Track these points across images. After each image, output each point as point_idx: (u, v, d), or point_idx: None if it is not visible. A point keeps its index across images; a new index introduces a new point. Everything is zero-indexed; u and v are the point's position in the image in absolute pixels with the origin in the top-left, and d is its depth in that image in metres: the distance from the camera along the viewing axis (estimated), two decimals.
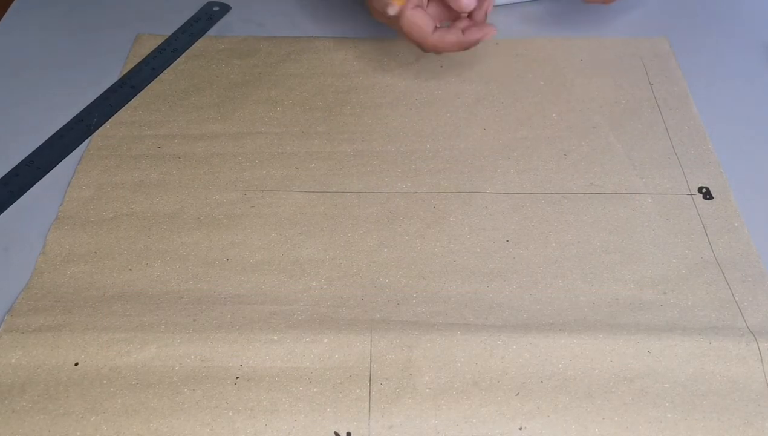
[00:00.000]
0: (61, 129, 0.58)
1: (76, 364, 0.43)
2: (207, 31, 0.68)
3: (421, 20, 0.55)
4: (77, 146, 0.57)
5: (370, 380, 0.42)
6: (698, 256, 0.49)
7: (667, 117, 0.59)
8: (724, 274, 0.48)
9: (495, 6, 0.69)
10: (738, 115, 0.59)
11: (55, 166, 0.55)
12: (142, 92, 0.61)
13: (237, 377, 0.43)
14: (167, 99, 0.61)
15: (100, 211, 0.52)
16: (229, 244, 0.50)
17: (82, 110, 0.59)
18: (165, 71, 0.63)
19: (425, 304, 0.46)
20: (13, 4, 0.71)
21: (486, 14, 0.57)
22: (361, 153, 0.56)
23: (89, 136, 0.57)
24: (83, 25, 0.69)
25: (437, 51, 0.57)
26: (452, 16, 0.58)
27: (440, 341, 0.44)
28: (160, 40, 0.66)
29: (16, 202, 0.53)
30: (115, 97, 0.60)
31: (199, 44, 0.66)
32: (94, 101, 0.60)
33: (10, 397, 0.42)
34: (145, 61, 0.64)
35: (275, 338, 0.44)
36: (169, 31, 0.67)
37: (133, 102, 0.60)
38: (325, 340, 0.44)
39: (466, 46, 0.56)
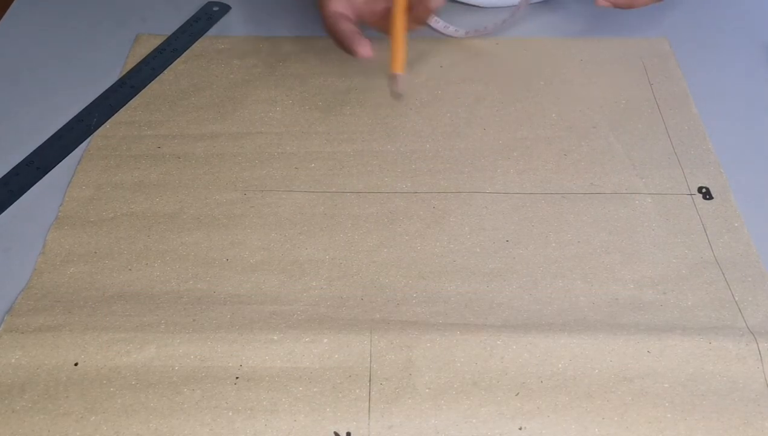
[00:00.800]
0: (61, 129, 0.58)
1: (76, 364, 0.43)
2: (207, 31, 0.68)
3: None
4: (77, 146, 0.57)
5: (369, 380, 0.42)
6: (698, 256, 0.49)
7: (667, 117, 0.59)
8: (723, 274, 0.48)
9: (500, 7, 0.69)
10: (738, 115, 0.59)
11: (55, 166, 0.55)
12: (142, 92, 0.61)
13: (237, 377, 0.43)
14: (167, 99, 0.61)
15: (100, 212, 0.52)
16: (228, 244, 0.50)
17: (82, 110, 0.59)
18: (165, 71, 0.63)
19: (425, 304, 0.46)
20: (14, 5, 0.71)
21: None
22: (360, 153, 0.56)
23: (89, 136, 0.57)
24: (83, 25, 0.69)
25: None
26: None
27: (440, 341, 0.44)
28: (159, 40, 0.66)
29: (16, 202, 0.53)
30: (115, 97, 0.60)
31: (199, 44, 0.66)
32: (94, 101, 0.60)
33: (10, 397, 0.42)
34: (145, 61, 0.64)
35: (275, 338, 0.44)
36: (168, 31, 0.67)
37: (133, 102, 0.60)
38: (325, 340, 0.44)
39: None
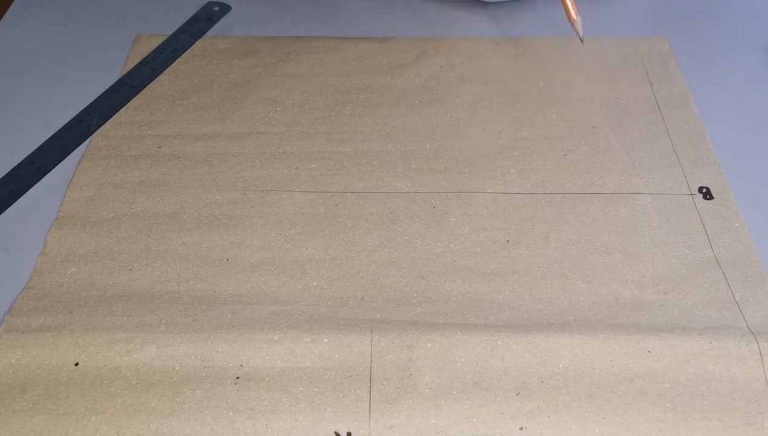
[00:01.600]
0: (61, 129, 0.58)
1: (77, 364, 0.43)
2: (207, 31, 0.68)
3: None
4: (77, 146, 0.57)
5: (370, 380, 0.42)
6: (698, 256, 0.49)
7: (667, 117, 0.59)
8: (724, 274, 0.48)
9: (494, 3, 0.70)
10: (738, 115, 0.60)
11: (55, 166, 0.55)
12: (142, 92, 0.61)
13: (237, 377, 0.43)
14: (167, 99, 0.61)
15: (100, 212, 0.52)
16: (229, 244, 0.50)
17: (82, 110, 0.59)
18: (165, 71, 0.63)
19: (425, 304, 0.46)
20: (13, 4, 0.71)
21: None
22: (361, 153, 0.56)
23: (89, 136, 0.57)
24: (83, 25, 0.69)
25: None
26: None
27: (440, 341, 0.44)
28: (160, 40, 0.66)
29: (16, 202, 0.53)
30: (115, 97, 0.60)
31: (199, 44, 0.66)
32: (94, 101, 0.60)
33: (10, 397, 0.42)
34: (145, 62, 0.64)
35: (275, 337, 0.44)
36: (169, 31, 0.67)
37: (133, 102, 0.60)
38: (326, 340, 0.44)
39: None
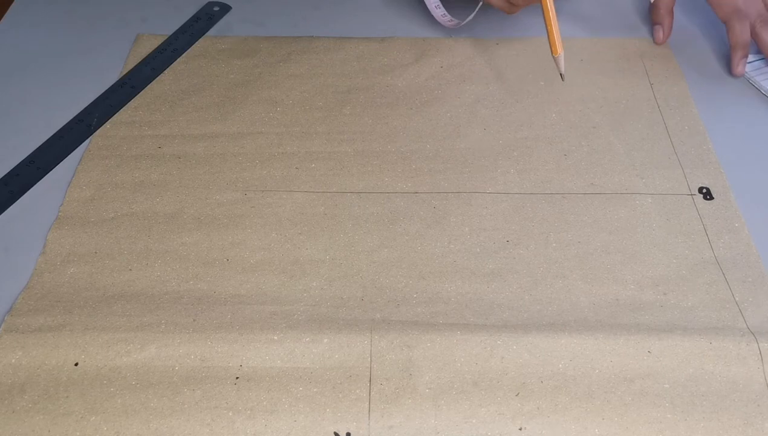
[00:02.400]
0: (61, 129, 0.58)
1: (76, 364, 0.43)
2: (207, 31, 0.68)
3: None
4: (77, 146, 0.57)
5: (370, 380, 0.42)
6: (698, 256, 0.49)
7: (668, 117, 0.59)
8: (724, 274, 0.48)
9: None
10: (738, 116, 0.60)
11: (55, 166, 0.55)
12: (142, 92, 0.61)
13: (237, 377, 0.43)
14: (167, 99, 0.61)
15: (100, 212, 0.52)
16: (229, 244, 0.50)
17: (82, 110, 0.59)
18: (165, 71, 0.63)
19: (425, 304, 0.46)
20: (14, 4, 0.71)
21: None
22: (361, 153, 0.56)
23: (89, 136, 0.57)
24: (83, 25, 0.69)
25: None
26: None
27: (440, 341, 0.44)
28: (160, 40, 0.66)
29: (16, 202, 0.53)
30: (115, 97, 0.60)
31: (200, 44, 0.66)
32: (94, 101, 0.60)
33: (10, 397, 0.42)
34: (145, 61, 0.64)
35: (275, 338, 0.44)
36: (169, 31, 0.67)
37: (133, 102, 0.60)
38: (325, 340, 0.44)
39: None
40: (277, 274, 0.48)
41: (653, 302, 0.46)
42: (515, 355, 0.43)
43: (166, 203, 0.52)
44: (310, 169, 0.55)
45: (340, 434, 0.41)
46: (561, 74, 0.57)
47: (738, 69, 0.62)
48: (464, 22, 0.65)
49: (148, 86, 0.62)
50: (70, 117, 0.59)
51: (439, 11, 0.66)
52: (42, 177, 0.55)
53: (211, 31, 0.68)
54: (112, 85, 0.62)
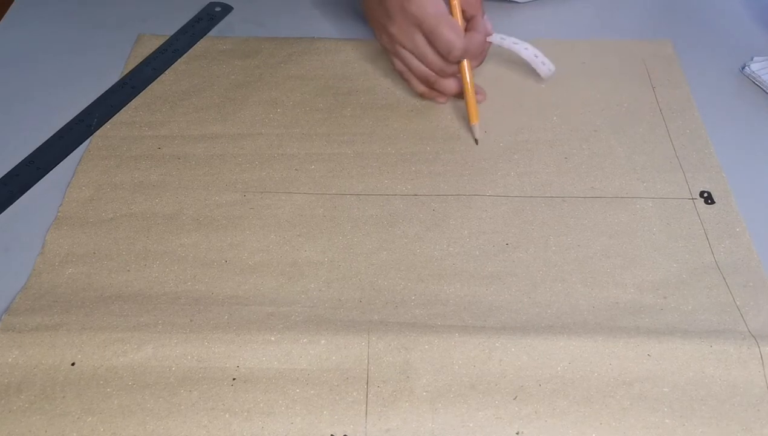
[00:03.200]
0: (61, 129, 0.58)
1: (73, 364, 0.43)
2: (208, 31, 0.68)
3: None
4: (77, 146, 0.57)
5: (367, 383, 0.42)
6: (699, 260, 0.49)
7: (669, 121, 0.59)
8: (725, 278, 0.48)
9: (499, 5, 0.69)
10: (740, 120, 0.59)
11: (55, 166, 0.55)
12: (142, 93, 0.61)
13: (234, 378, 0.42)
14: (168, 100, 0.61)
15: (99, 212, 0.52)
16: (227, 245, 0.50)
17: (82, 110, 0.59)
18: (166, 72, 0.63)
19: (423, 306, 0.46)
20: (14, 4, 0.71)
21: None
22: (361, 155, 0.56)
23: (89, 136, 0.57)
24: (84, 25, 0.69)
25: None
26: None
27: (438, 343, 0.44)
28: (161, 41, 0.66)
29: (16, 202, 0.53)
30: (116, 98, 0.60)
31: (201, 45, 0.66)
32: (94, 101, 0.60)
33: (7, 397, 0.42)
34: (146, 62, 0.64)
35: (272, 339, 0.44)
36: (170, 32, 0.67)
37: (133, 102, 0.60)
38: (323, 341, 0.44)
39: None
40: (276, 275, 0.48)
41: (653, 306, 0.46)
42: (513, 358, 0.43)
43: (165, 204, 0.52)
44: (309, 171, 0.55)
45: None
46: (475, 139, 0.57)
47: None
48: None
49: (149, 87, 0.62)
50: (70, 117, 0.59)
51: (538, 60, 0.61)
52: (41, 177, 0.55)
53: (213, 32, 0.68)
54: (113, 86, 0.62)
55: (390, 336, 0.44)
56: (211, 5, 0.71)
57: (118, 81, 0.62)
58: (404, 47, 0.56)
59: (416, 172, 0.55)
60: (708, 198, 0.53)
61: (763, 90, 0.62)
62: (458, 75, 0.57)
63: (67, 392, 0.42)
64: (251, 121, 0.59)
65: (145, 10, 0.70)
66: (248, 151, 0.56)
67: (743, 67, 0.64)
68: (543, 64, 0.60)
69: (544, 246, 0.50)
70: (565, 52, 0.65)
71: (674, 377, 0.43)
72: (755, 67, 0.63)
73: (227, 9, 0.70)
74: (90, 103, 0.60)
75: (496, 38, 0.58)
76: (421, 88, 0.59)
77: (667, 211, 0.52)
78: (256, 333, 0.44)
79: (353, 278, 0.48)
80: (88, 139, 0.57)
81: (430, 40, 0.55)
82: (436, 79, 0.57)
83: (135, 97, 0.61)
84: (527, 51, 0.60)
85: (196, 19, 0.69)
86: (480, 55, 0.58)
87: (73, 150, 0.56)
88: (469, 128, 0.58)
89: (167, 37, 0.67)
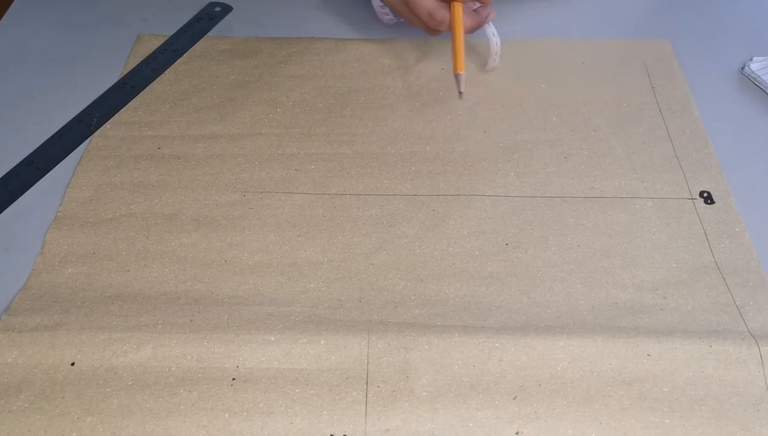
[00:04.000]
0: (61, 129, 0.58)
1: (73, 364, 0.43)
2: (208, 31, 0.68)
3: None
4: (77, 146, 0.57)
5: (367, 382, 0.42)
6: (699, 260, 0.49)
7: (669, 121, 0.59)
8: (724, 278, 0.48)
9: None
10: (740, 120, 0.59)
11: (54, 166, 0.55)
12: (142, 93, 0.61)
13: (233, 378, 0.42)
14: (167, 100, 0.61)
15: (99, 212, 0.52)
16: (227, 245, 0.50)
17: (82, 110, 0.59)
18: (165, 72, 0.63)
19: (423, 306, 0.46)
20: (14, 4, 0.71)
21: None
22: (360, 155, 0.56)
23: (89, 136, 0.57)
24: (84, 25, 0.69)
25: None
26: None
27: (438, 343, 0.44)
28: (161, 41, 0.66)
29: (16, 202, 0.53)
30: (115, 98, 0.60)
31: (200, 45, 0.66)
32: (94, 101, 0.60)
33: (6, 397, 0.42)
34: (145, 62, 0.64)
35: (272, 339, 0.44)
36: (170, 32, 0.67)
37: (133, 102, 0.60)
38: (322, 341, 0.44)
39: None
40: (275, 275, 0.48)
41: (653, 306, 0.46)
42: (513, 357, 0.43)
43: (165, 204, 0.52)
44: (309, 171, 0.55)
45: None
46: (460, 92, 0.59)
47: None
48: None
49: (149, 87, 0.62)
50: (70, 117, 0.59)
51: (382, 10, 0.66)
52: (41, 177, 0.55)
53: (212, 32, 0.68)
54: (113, 86, 0.62)
55: (390, 336, 0.44)
56: (211, 5, 0.71)
57: (118, 81, 0.62)
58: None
59: (416, 172, 0.55)
60: (708, 198, 0.53)
61: (763, 90, 0.62)
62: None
63: (67, 392, 0.42)
64: (251, 121, 0.59)
65: (145, 10, 0.70)
66: (248, 151, 0.56)
67: (743, 67, 0.64)
68: (494, 60, 0.62)
69: (544, 246, 0.50)
70: (565, 52, 0.65)
71: (674, 377, 0.43)
72: (755, 67, 0.63)
73: (227, 9, 0.70)
74: (90, 103, 0.60)
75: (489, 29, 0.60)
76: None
77: (667, 211, 0.52)
78: (256, 333, 0.44)
79: (353, 278, 0.48)
80: (88, 139, 0.57)
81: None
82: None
83: (135, 97, 0.61)
84: (496, 44, 0.61)
85: (196, 19, 0.69)
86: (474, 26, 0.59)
87: (73, 150, 0.56)
88: (455, 80, 0.58)
89: (167, 37, 0.67)
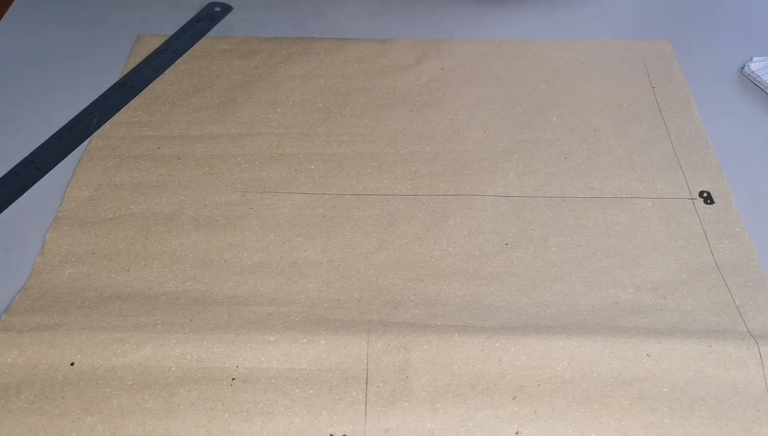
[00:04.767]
0: (61, 129, 0.58)
1: (72, 364, 0.43)
2: (208, 31, 0.68)
3: None
4: (77, 146, 0.57)
5: (366, 382, 0.42)
6: (698, 260, 0.49)
7: (669, 121, 0.59)
8: (724, 278, 0.48)
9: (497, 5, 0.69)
10: (740, 120, 0.59)
11: (54, 166, 0.55)
12: (142, 93, 0.61)
13: (233, 378, 0.42)
14: (167, 100, 0.61)
15: (98, 212, 0.52)
16: (227, 245, 0.50)
17: (82, 110, 0.59)
18: (165, 72, 0.63)
19: (423, 306, 0.46)
20: (14, 4, 0.71)
21: None
22: (360, 155, 0.56)
23: (89, 136, 0.57)
24: (84, 25, 0.69)
25: None
26: None
27: (437, 343, 0.44)
28: (161, 41, 0.66)
29: (16, 202, 0.53)
30: (115, 98, 0.60)
31: (200, 45, 0.66)
32: (94, 101, 0.60)
33: (6, 397, 0.42)
34: (145, 62, 0.64)
35: (272, 338, 0.44)
36: (170, 32, 0.67)
37: (133, 102, 0.60)
38: (322, 341, 0.44)
39: None
40: (275, 275, 0.48)
41: (653, 306, 0.46)
42: (513, 357, 0.43)
43: (165, 204, 0.52)
44: (309, 171, 0.55)
45: None
46: None
47: None
48: None
49: (149, 87, 0.62)
50: (70, 117, 0.59)
51: None
52: (41, 177, 0.55)
53: (212, 32, 0.68)
54: (113, 86, 0.62)
55: (389, 336, 0.44)
56: (211, 5, 0.71)
57: (118, 81, 0.62)
58: None
59: (416, 172, 0.55)
60: (707, 198, 0.53)
61: (763, 90, 0.62)
62: None
63: (67, 392, 0.42)
64: (251, 121, 0.59)
65: (145, 10, 0.70)
66: (248, 151, 0.56)
67: (743, 67, 0.64)
68: None
69: (544, 246, 0.50)
70: (565, 52, 0.65)
71: (673, 377, 0.43)
72: (755, 67, 0.63)
73: (227, 9, 0.71)
74: (90, 103, 0.60)
75: None
76: None
77: (667, 211, 0.52)
78: (256, 333, 0.44)
79: (353, 278, 0.48)
80: (88, 139, 0.57)
81: None
82: None
83: (135, 97, 0.61)
84: None
85: (196, 19, 0.69)
86: None
87: (73, 150, 0.56)
88: None
89: (167, 38, 0.67)
